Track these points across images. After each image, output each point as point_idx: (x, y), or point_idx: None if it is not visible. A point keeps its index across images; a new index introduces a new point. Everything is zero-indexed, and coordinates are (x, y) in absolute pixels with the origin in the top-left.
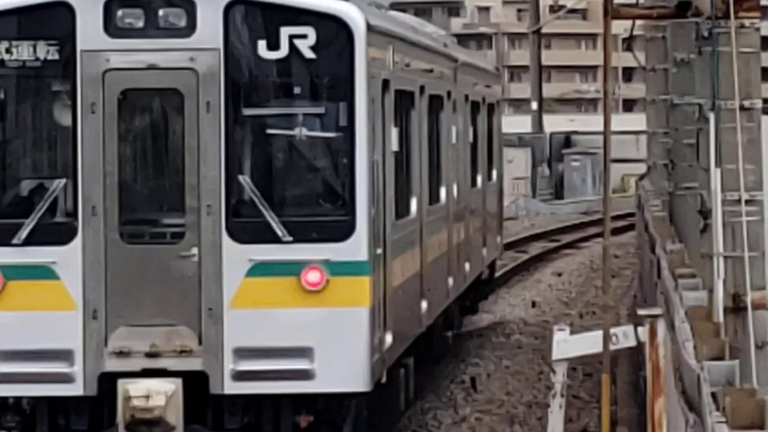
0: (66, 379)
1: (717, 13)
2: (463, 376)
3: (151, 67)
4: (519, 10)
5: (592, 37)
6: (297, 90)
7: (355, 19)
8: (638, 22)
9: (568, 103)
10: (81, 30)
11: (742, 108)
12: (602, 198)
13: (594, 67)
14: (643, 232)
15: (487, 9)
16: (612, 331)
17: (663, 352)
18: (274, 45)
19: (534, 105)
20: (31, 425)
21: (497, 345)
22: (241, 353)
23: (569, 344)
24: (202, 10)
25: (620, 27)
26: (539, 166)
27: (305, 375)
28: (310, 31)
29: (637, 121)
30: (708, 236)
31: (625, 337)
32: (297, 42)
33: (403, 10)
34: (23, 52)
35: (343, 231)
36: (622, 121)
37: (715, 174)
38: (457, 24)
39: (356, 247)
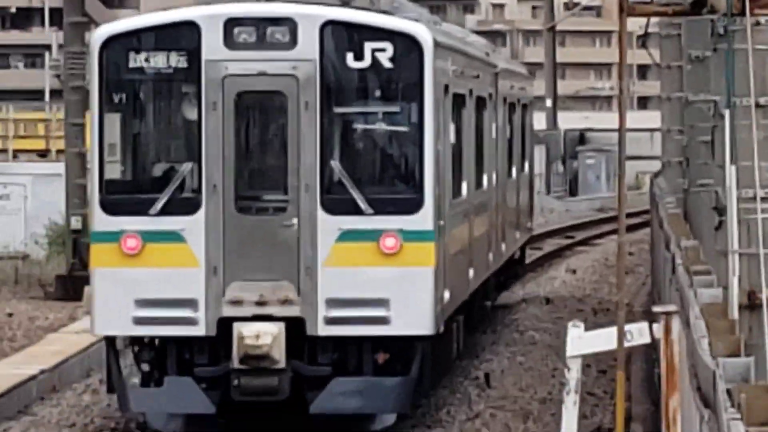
0: (191, 322)
1: (732, 10)
2: (477, 372)
3: (261, 74)
4: (534, 7)
5: (607, 34)
6: (377, 93)
7: (425, 36)
8: (653, 19)
9: (582, 101)
10: (205, 44)
11: (757, 105)
12: (617, 195)
13: (608, 65)
14: (657, 229)
15: (501, 6)
16: (626, 327)
17: (678, 349)
18: (359, 57)
19: (548, 102)
20: (161, 360)
21: (511, 341)
22: (331, 303)
23: (584, 341)
24: (302, 28)
25: (635, 24)
26: (554, 162)
27: (383, 321)
28: (389, 46)
29: (651, 118)
30: (723, 233)
31: (639, 334)
32: (378, 54)
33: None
34: (159, 61)
35: (413, 206)
36: (636, 118)
37: (731, 171)
38: (471, 21)
39: (424, 219)
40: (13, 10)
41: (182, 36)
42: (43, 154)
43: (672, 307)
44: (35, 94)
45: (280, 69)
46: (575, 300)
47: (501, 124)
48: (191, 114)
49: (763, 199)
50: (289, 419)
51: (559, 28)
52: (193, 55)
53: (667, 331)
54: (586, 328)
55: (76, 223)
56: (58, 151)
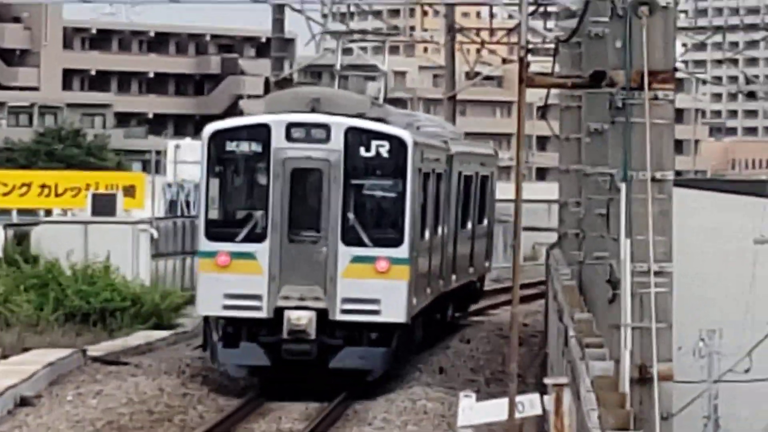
0: (258, 309)
1: (631, 84)
2: None
3: (308, 158)
4: (435, 76)
5: (508, 104)
6: (378, 172)
7: (408, 139)
8: (554, 91)
9: None
10: (274, 137)
11: (653, 179)
12: (512, 265)
13: (509, 135)
14: (552, 301)
15: (403, 74)
16: (518, 399)
17: (568, 422)
18: (368, 149)
19: None
20: (238, 332)
21: (403, 410)
22: (345, 300)
23: (475, 411)
24: (333, 131)
25: (536, 95)
26: None
27: (376, 312)
28: (386, 143)
29: (549, 190)
30: (616, 306)
31: (530, 405)
32: (379, 148)
33: (320, 73)
34: (244, 147)
35: (397, 242)
36: (534, 189)
37: (625, 244)
38: (373, 88)
39: (403, 251)
40: None
41: (260, 133)
42: None
43: (563, 379)
44: None
45: (319, 155)
46: (468, 370)
47: (455, 191)
48: (263, 180)
49: (656, 274)
50: (316, 372)
51: (459, 97)
52: (266, 144)
53: (558, 403)
54: (478, 399)
55: None
56: None
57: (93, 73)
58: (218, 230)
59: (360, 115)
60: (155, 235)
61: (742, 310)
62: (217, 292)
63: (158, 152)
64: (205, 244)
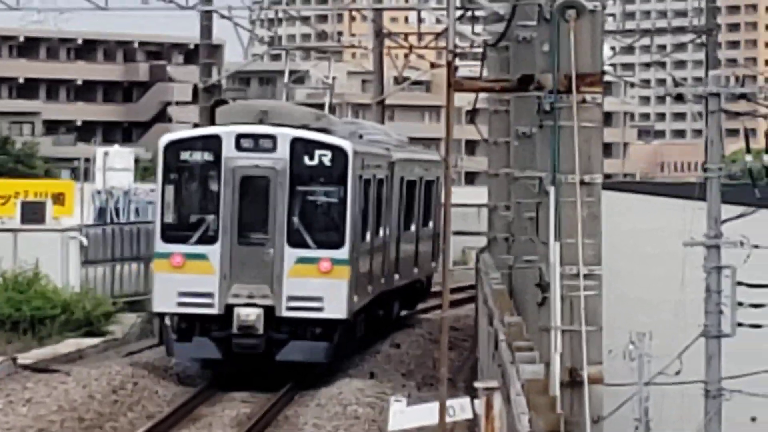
0: (210, 306)
1: (559, 87)
2: None
3: (256, 166)
4: (364, 81)
5: (436, 109)
6: (321, 179)
7: (348, 148)
8: (482, 95)
9: None
10: (225, 147)
11: (582, 182)
12: (442, 270)
13: (437, 139)
14: (482, 305)
15: (332, 79)
16: (448, 403)
17: (498, 425)
18: (311, 158)
19: None
20: (191, 327)
21: (334, 415)
22: (290, 298)
23: (405, 415)
24: (280, 141)
25: (464, 100)
26: None
27: (319, 309)
28: (328, 153)
29: (478, 194)
30: (546, 309)
31: (461, 409)
32: (322, 157)
33: (248, 79)
34: (197, 156)
35: (338, 244)
36: (463, 193)
37: (555, 248)
38: (301, 93)
39: (344, 252)
40: None
41: (211, 143)
42: None
43: (494, 383)
44: None
45: (266, 163)
46: (399, 374)
47: (397, 196)
48: (215, 187)
49: (586, 276)
50: (263, 364)
51: (388, 102)
52: (217, 154)
53: (489, 406)
54: (409, 403)
55: None
56: None
57: (21, 80)
58: (173, 233)
59: (305, 126)
60: (85, 242)
61: (672, 313)
62: (172, 290)
63: (87, 160)
64: (160, 246)
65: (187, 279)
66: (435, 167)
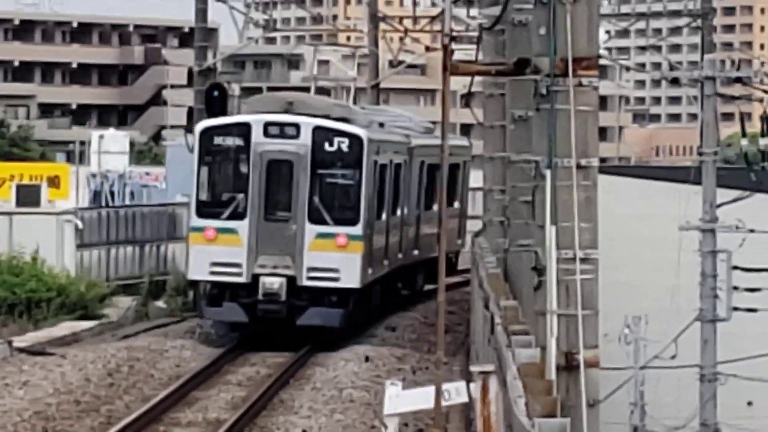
0: (238, 275)
1: (555, 71)
2: (295, 430)
3: (281, 151)
4: (359, 65)
5: (431, 92)
6: (339, 163)
7: (364, 136)
8: (477, 78)
9: None
10: (254, 134)
11: (578, 166)
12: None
13: (433, 123)
14: (477, 289)
15: (326, 62)
16: (444, 386)
17: (494, 409)
18: (331, 144)
19: None
20: (221, 293)
21: (330, 398)
22: (310, 269)
23: (401, 399)
24: (303, 129)
25: (459, 83)
26: None
27: (336, 279)
28: (346, 140)
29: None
30: (542, 293)
31: (457, 393)
32: (341, 144)
33: (243, 62)
34: (229, 141)
35: (354, 221)
36: None
37: (551, 231)
38: (296, 77)
39: (358, 229)
40: None
41: (242, 129)
42: None
43: (489, 367)
44: None
45: (290, 149)
46: (394, 358)
47: (417, 178)
48: (244, 169)
49: (582, 260)
50: (285, 328)
51: (383, 85)
52: (247, 139)
53: (485, 390)
54: (405, 387)
55: None
56: None
57: (16, 64)
58: (206, 209)
59: (326, 116)
60: (80, 225)
61: (668, 297)
62: (205, 261)
63: (82, 143)
64: (195, 221)
65: (218, 250)
66: (460, 152)
